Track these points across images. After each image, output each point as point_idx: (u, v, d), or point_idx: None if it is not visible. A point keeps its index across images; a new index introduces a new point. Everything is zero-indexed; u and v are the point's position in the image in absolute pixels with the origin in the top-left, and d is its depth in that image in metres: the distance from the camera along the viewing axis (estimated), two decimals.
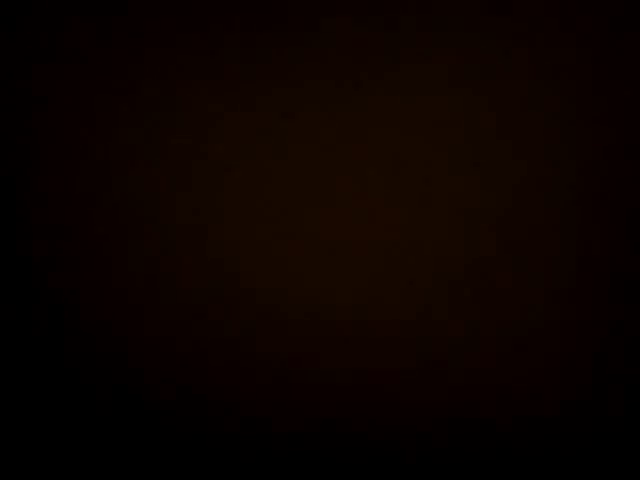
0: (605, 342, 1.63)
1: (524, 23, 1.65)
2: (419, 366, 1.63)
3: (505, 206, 1.64)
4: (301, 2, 1.65)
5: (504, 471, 1.63)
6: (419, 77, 1.65)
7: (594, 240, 1.63)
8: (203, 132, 1.66)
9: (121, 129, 1.66)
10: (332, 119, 1.66)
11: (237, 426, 1.65)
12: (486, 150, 1.65)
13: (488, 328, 1.63)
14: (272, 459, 1.65)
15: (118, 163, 1.66)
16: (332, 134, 1.66)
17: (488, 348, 1.63)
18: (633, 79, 1.64)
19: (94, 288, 1.66)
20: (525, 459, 1.63)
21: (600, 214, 1.63)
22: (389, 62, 1.65)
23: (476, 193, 1.64)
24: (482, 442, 1.63)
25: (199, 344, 1.65)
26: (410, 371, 1.63)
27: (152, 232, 1.66)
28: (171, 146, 1.66)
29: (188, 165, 1.66)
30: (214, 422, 1.65)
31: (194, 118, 1.66)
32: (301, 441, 1.64)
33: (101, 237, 1.66)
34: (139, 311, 1.65)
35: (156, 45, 1.67)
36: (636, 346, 1.63)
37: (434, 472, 1.63)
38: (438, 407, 1.63)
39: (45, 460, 1.65)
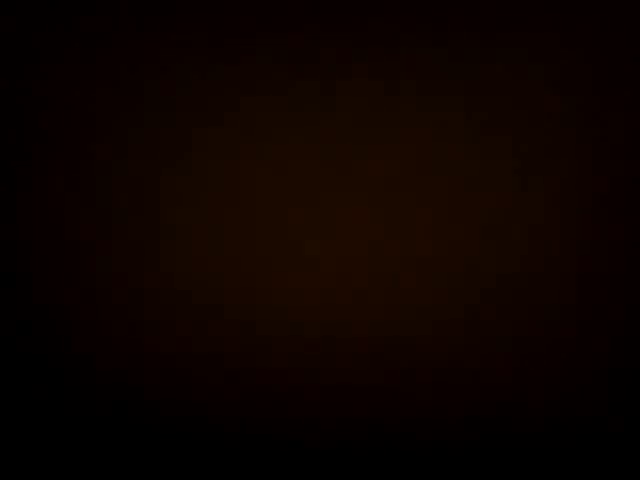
0: (605, 342, 1.63)
1: (523, 23, 1.65)
2: (419, 367, 1.63)
3: (505, 207, 1.64)
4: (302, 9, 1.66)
5: (504, 471, 1.63)
6: (416, 79, 1.65)
7: (594, 240, 1.63)
8: (203, 134, 1.66)
9: (121, 130, 1.66)
10: (332, 120, 1.66)
11: (237, 427, 1.65)
12: (484, 151, 1.65)
13: (488, 329, 1.63)
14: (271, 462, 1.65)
15: (118, 164, 1.66)
16: (331, 137, 1.66)
17: (488, 349, 1.63)
18: (633, 80, 1.64)
19: (92, 288, 1.66)
20: (524, 459, 1.63)
21: (600, 214, 1.63)
22: (382, 62, 1.65)
23: (475, 194, 1.64)
24: (481, 442, 1.63)
25: (197, 348, 1.65)
26: (409, 371, 1.63)
27: (151, 235, 1.66)
28: (170, 148, 1.66)
29: (188, 174, 1.66)
30: (214, 426, 1.65)
31: (194, 120, 1.66)
32: (300, 443, 1.64)
33: (100, 237, 1.66)
34: (137, 317, 1.65)
35: (156, 46, 1.66)
36: (636, 346, 1.63)
37: (434, 472, 1.63)
38: (437, 407, 1.63)
39: (45, 460, 1.66)
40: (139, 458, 1.64)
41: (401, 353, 1.63)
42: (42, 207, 1.66)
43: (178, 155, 1.66)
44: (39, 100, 1.66)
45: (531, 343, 1.63)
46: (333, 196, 1.65)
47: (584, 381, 1.63)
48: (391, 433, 1.63)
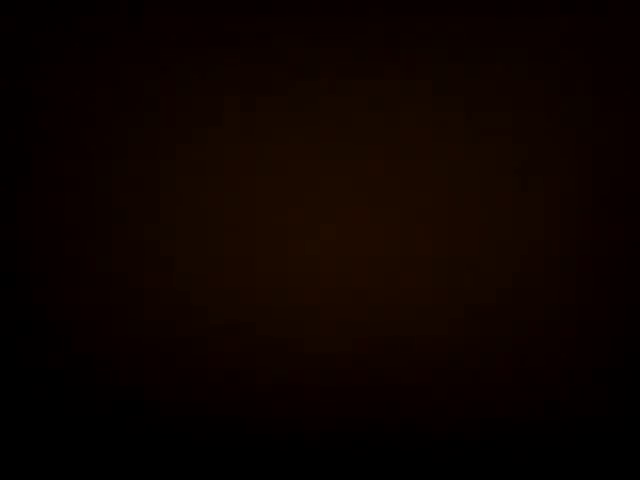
0: (605, 342, 1.63)
1: (523, 24, 1.65)
2: (419, 367, 1.63)
3: (505, 207, 1.64)
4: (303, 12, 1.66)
5: (504, 471, 1.63)
6: (416, 79, 1.65)
7: (594, 240, 1.63)
8: (203, 134, 1.66)
9: (121, 130, 1.66)
10: (331, 121, 1.66)
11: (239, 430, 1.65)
12: (484, 151, 1.65)
13: (488, 329, 1.63)
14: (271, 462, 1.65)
15: (118, 164, 1.66)
16: (331, 137, 1.66)
17: (488, 349, 1.63)
18: (633, 80, 1.64)
19: (92, 288, 1.66)
20: (524, 459, 1.63)
21: (600, 214, 1.63)
22: (382, 62, 1.65)
23: (475, 194, 1.64)
24: (481, 442, 1.63)
25: (197, 347, 1.65)
26: (409, 371, 1.63)
27: (150, 236, 1.66)
28: (170, 148, 1.66)
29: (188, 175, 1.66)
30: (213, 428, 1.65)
31: (194, 120, 1.66)
32: (300, 443, 1.64)
33: (100, 237, 1.66)
34: (137, 318, 1.65)
35: (156, 46, 1.66)
36: (636, 346, 1.62)
37: (434, 472, 1.63)
38: (437, 407, 1.63)
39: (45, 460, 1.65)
40: (139, 458, 1.64)
41: (401, 353, 1.63)
42: (42, 207, 1.66)
43: (178, 155, 1.66)
44: (39, 100, 1.66)
45: (531, 343, 1.63)
46: (333, 196, 1.65)
47: (584, 381, 1.62)
48: (391, 433, 1.63)
